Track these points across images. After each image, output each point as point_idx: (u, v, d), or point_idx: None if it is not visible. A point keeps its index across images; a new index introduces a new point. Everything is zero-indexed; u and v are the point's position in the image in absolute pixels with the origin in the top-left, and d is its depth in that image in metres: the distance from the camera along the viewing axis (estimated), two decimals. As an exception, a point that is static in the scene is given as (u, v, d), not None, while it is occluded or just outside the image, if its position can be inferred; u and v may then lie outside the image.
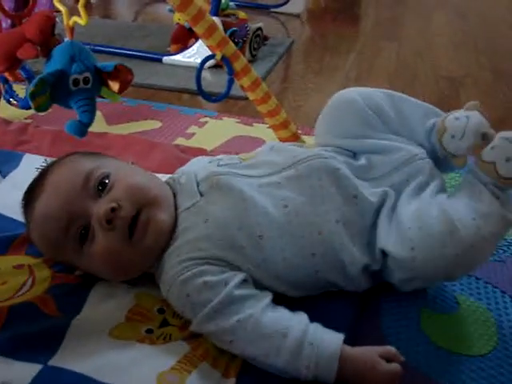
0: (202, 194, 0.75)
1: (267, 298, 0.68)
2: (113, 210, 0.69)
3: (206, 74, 1.55)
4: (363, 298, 0.76)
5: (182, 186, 0.78)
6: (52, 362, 0.64)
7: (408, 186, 0.76)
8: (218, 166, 0.80)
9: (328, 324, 0.68)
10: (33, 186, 0.77)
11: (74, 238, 0.71)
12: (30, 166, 1.05)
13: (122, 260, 0.71)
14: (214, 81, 1.50)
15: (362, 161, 0.80)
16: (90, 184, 0.72)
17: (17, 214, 0.86)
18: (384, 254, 0.72)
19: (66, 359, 0.65)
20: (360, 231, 0.73)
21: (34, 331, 0.68)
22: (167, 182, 0.80)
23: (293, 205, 0.73)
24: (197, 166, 0.82)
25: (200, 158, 0.91)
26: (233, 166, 0.79)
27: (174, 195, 0.77)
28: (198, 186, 0.76)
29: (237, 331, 0.64)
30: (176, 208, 0.75)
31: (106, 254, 0.70)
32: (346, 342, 0.64)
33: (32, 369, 0.63)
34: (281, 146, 0.85)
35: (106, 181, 0.73)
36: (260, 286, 0.71)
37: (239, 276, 0.68)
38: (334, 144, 0.83)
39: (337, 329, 0.67)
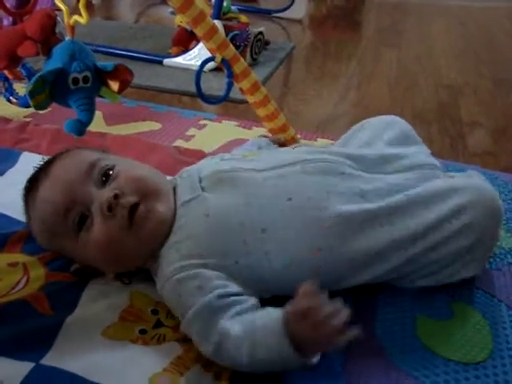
0: (203, 189, 0.75)
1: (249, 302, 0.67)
2: (115, 197, 0.69)
3: (208, 77, 1.55)
4: (358, 304, 0.75)
5: (183, 179, 0.78)
6: (44, 361, 0.64)
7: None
8: (221, 160, 0.81)
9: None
10: (36, 174, 0.78)
11: (72, 223, 0.71)
12: (28, 164, 1.04)
13: (118, 249, 0.71)
14: (215, 84, 1.50)
15: (377, 155, 0.82)
16: (95, 172, 0.73)
17: (12, 211, 0.86)
18: None
19: (59, 358, 0.65)
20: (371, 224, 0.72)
21: (26, 329, 0.68)
22: (168, 180, 0.81)
23: (297, 198, 0.72)
24: (200, 164, 0.83)
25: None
26: (237, 160, 0.80)
27: (175, 190, 0.77)
28: (200, 181, 0.76)
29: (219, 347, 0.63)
30: (175, 202, 0.75)
31: (103, 241, 0.70)
32: (340, 349, 0.63)
33: (24, 367, 0.63)
34: (286, 148, 0.87)
35: (110, 172, 0.74)
36: (258, 285, 0.70)
37: (231, 287, 0.67)
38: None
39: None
